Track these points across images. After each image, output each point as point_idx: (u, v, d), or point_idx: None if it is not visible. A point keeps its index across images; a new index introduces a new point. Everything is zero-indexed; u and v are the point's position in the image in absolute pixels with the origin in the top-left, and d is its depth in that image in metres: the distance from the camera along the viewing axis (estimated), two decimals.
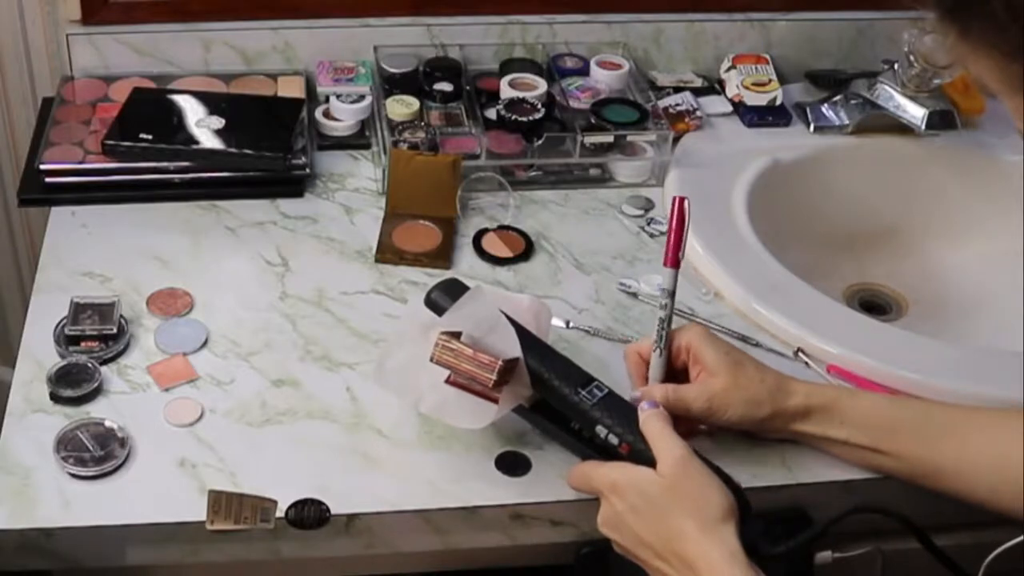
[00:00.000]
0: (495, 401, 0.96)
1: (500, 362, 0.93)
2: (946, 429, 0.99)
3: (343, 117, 1.40)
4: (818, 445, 1.02)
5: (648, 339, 1.02)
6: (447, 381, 0.97)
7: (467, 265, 1.23)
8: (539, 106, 1.36)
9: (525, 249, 1.25)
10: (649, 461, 0.92)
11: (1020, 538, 0.90)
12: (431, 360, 0.95)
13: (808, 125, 1.43)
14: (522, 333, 0.99)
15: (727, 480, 0.91)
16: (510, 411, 0.98)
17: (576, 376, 0.98)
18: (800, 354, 1.13)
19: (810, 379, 1.06)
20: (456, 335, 0.95)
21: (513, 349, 0.96)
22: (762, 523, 0.93)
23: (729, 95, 1.47)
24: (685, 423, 0.98)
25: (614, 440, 0.95)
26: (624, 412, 0.96)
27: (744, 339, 1.15)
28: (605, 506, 0.94)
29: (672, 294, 0.99)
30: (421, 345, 0.97)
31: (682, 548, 0.88)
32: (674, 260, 0.99)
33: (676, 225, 0.99)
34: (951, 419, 1.00)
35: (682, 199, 0.99)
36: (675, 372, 1.03)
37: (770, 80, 1.47)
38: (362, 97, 1.41)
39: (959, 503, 0.97)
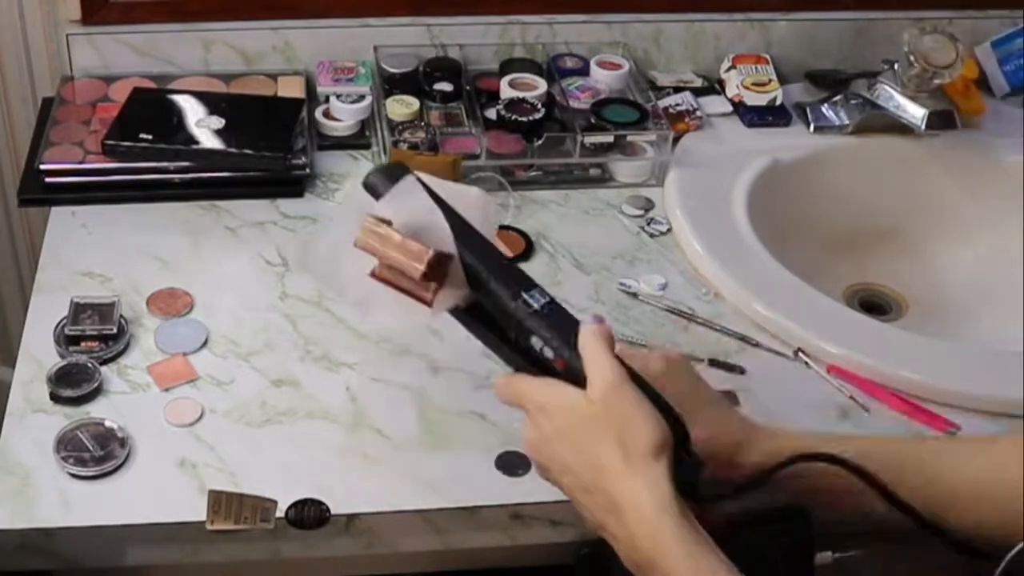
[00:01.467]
0: (427, 303, 0.87)
1: (431, 252, 0.84)
2: (935, 463, 0.92)
3: (343, 117, 1.40)
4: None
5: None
6: (372, 274, 0.88)
7: None
8: (539, 106, 1.36)
9: (525, 249, 1.25)
10: (584, 381, 0.84)
11: None
12: (355, 244, 0.86)
13: (808, 125, 1.43)
14: (462, 227, 0.89)
15: (667, 410, 0.83)
16: (443, 312, 0.89)
17: (518, 280, 0.89)
18: (800, 354, 1.14)
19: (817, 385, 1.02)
20: (387, 222, 0.86)
21: (447, 246, 0.87)
22: (699, 461, 0.84)
23: (729, 95, 1.47)
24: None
25: (549, 354, 0.86)
26: (565, 325, 0.87)
27: (744, 339, 1.15)
28: (531, 426, 0.87)
29: None
30: (353, 231, 0.88)
31: (606, 483, 0.82)
32: None
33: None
34: (935, 453, 0.93)
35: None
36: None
37: (770, 80, 1.47)
38: (362, 97, 1.41)
39: None
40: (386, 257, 0.86)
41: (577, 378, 0.84)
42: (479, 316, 0.91)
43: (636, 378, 0.84)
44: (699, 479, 0.84)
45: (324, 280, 0.92)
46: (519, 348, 0.88)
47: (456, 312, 0.92)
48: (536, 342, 0.87)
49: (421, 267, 0.84)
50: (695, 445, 0.85)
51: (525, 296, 0.87)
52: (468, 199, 0.93)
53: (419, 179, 0.91)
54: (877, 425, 1.07)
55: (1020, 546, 0.84)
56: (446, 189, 0.93)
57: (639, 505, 0.80)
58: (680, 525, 0.79)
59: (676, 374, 0.93)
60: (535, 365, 0.88)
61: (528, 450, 0.89)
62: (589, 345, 0.84)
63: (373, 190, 0.91)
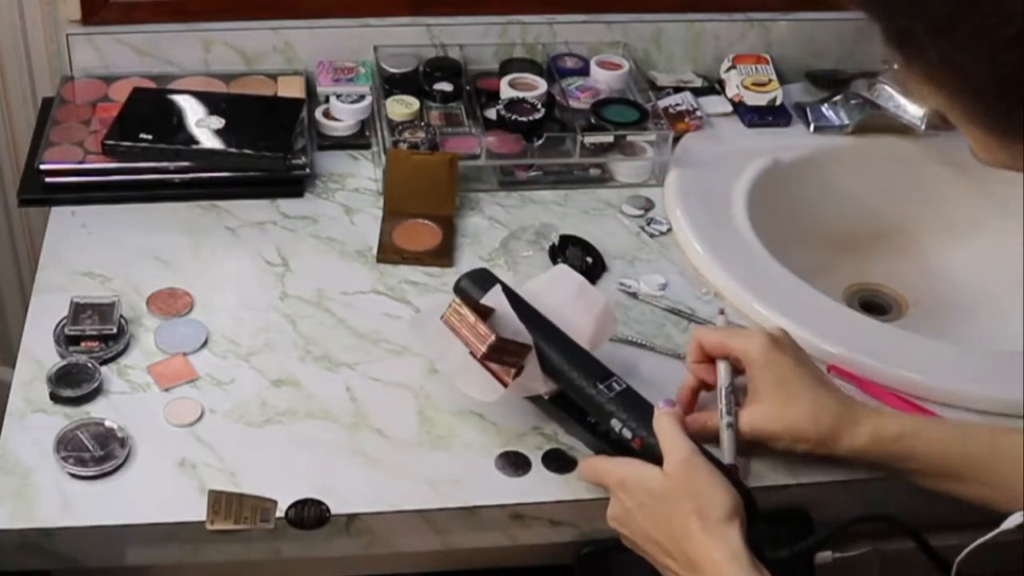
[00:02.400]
0: (504, 384, 0.98)
1: (494, 336, 0.95)
2: (1016, 457, 0.94)
3: (343, 117, 1.40)
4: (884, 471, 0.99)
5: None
6: (472, 353, 0.98)
7: (468, 264, 1.23)
8: (539, 106, 1.36)
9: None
10: (659, 457, 0.92)
11: (991, 534, 0.88)
12: (440, 318, 0.98)
13: (808, 125, 1.43)
14: (548, 328, 1.02)
15: (736, 483, 0.92)
16: (525, 399, 1.01)
17: (596, 370, 1.00)
18: None
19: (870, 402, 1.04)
20: (480, 308, 0.99)
21: (523, 339, 0.98)
22: (767, 527, 0.93)
23: (729, 95, 1.47)
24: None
25: (627, 434, 0.96)
26: (640, 408, 0.97)
27: None
28: (614, 502, 0.94)
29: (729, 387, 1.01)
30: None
31: (687, 547, 0.88)
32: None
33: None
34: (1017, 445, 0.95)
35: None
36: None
37: (770, 80, 1.47)
38: (362, 97, 1.41)
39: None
40: (460, 335, 0.98)
41: (653, 455, 0.93)
42: (562, 405, 1.01)
43: (707, 454, 0.93)
44: (765, 541, 0.92)
45: (427, 344, 1.05)
46: (599, 431, 0.99)
47: (540, 401, 1.03)
48: (615, 424, 0.97)
49: (483, 348, 0.96)
50: (795, 432, 0.97)
51: (603, 384, 0.98)
52: (596, 307, 1.06)
53: (504, 284, 1.03)
54: None
55: (971, 546, 0.88)
56: (579, 286, 1.07)
57: (716, 563, 0.86)
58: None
59: (778, 356, 0.99)
60: (615, 446, 0.98)
61: (612, 523, 0.95)
62: (662, 425, 0.94)
63: (464, 295, 1.04)
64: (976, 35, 0.67)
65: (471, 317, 0.97)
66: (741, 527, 0.88)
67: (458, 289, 1.06)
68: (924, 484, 0.97)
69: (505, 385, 0.99)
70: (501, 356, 0.97)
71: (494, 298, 1.01)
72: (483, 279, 1.06)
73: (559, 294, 1.06)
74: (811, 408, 0.97)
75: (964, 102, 0.71)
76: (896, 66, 0.73)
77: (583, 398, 0.99)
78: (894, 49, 0.72)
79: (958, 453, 0.96)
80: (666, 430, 0.93)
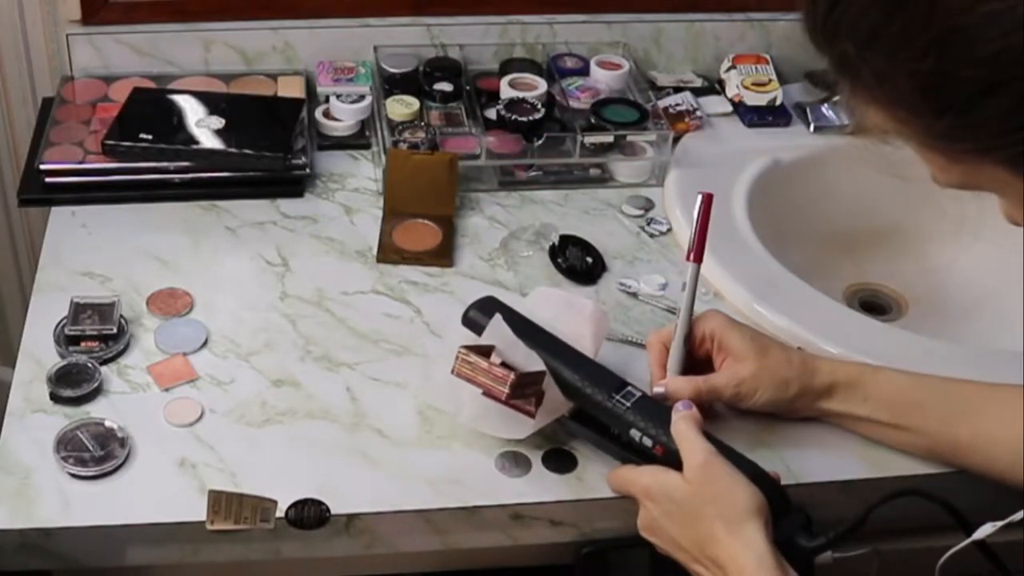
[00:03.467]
0: (531, 415, 0.99)
1: (513, 375, 0.95)
2: (966, 405, 1.00)
3: (343, 117, 1.40)
4: (841, 423, 1.04)
5: (669, 329, 1.04)
6: (484, 394, 0.97)
7: (468, 264, 1.23)
8: (539, 106, 1.36)
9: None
10: (682, 462, 0.93)
11: (967, 541, 0.90)
12: (452, 373, 0.97)
13: (808, 125, 1.43)
14: (556, 345, 1.02)
15: (761, 476, 0.92)
16: (551, 423, 1.01)
17: (610, 382, 1.00)
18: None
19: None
20: (483, 350, 0.98)
21: (535, 364, 0.98)
22: (803, 515, 0.94)
23: (729, 95, 1.47)
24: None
25: (648, 442, 0.96)
26: (657, 414, 0.97)
27: None
28: (642, 511, 0.95)
29: (693, 289, 1.03)
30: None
31: (713, 552, 0.89)
32: (698, 255, 1.03)
33: (702, 221, 1.02)
34: (971, 395, 1.00)
35: (709, 195, 1.03)
36: (696, 362, 1.05)
37: (770, 80, 1.47)
38: (362, 97, 1.41)
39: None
40: (477, 382, 0.96)
41: (676, 461, 0.94)
42: (583, 421, 1.01)
43: (729, 451, 0.94)
44: (800, 530, 0.93)
45: (445, 402, 1.03)
46: (621, 442, 0.99)
47: (562, 420, 1.02)
48: (635, 433, 0.97)
49: (505, 389, 0.95)
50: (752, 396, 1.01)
51: (619, 395, 0.99)
52: (585, 312, 1.06)
53: (507, 309, 1.04)
54: None
55: (955, 548, 0.90)
56: (563, 300, 1.08)
57: (742, 567, 0.87)
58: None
59: (738, 322, 1.05)
60: (638, 455, 0.97)
61: (643, 533, 0.96)
62: (680, 429, 0.95)
63: (474, 325, 1.04)
64: (897, 46, 0.69)
65: (483, 363, 0.96)
66: (765, 525, 0.89)
67: (467, 321, 1.05)
68: (873, 435, 1.03)
69: (532, 416, 0.99)
70: (523, 391, 0.97)
71: (494, 331, 1.00)
72: (491, 307, 1.05)
73: (548, 310, 1.07)
74: (783, 354, 1.03)
75: (902, 119, 0.73)
76: (847, 96, 0.76)
77: (601, 412, 0.99)
78: (840, 77, 0.75)
79: (909, 394, 1.01)
80: (684, 434, 0.94)
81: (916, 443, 1.01)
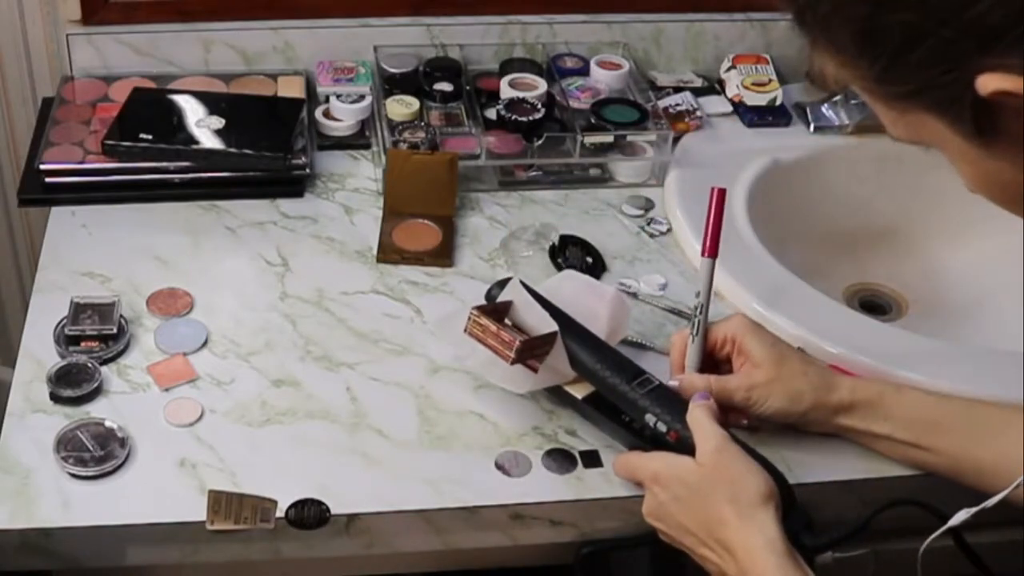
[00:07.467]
0: (534, 370, 1.00)
1: (519, 341, 0.97)
2: (988, 427, 0.98)
3: (343, 117, 1.40)
4: (860, 440, 1.03)
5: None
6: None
7: (468, 264, 1.23)
8: (539, 106, 1.36)
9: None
10: (694, 450, 0.94)
11: (945, 526, 0.90)
12: (464, 331, 1.00)
13: (808, 125, 1.43)
14: (574, 329, 1.04)
15: (771, 469, 0.92)
16: (560, 401, 1.03)
17: (628, 368, 1.02)
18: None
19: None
20: (499, 307, 1.01)
21: (548, 326, 1.00)
22: (805, 515, 0.94)
23: (729, 95, 1.47)
24: (729, 414, 1.00)
25: (662, 428, 0.97)
26: (673, 402, 0.99)
27: None
28: (649, 496, 0.95)
29: (710, 285, 1.03)
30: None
31: (722, 534, 0.89)
32: (712, 250, 1.03)
33: (715, 216, 1.02)
34: (994, 417, 0.99)
35: (722, 190, 1.03)
36: (718, 362, 1.05)
37: (770, 80, 1.47)
38: (362, 97, 1.41)
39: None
40: (486, 344, 0.99)
41: (688, 448, 0.94)
42: (596, 405, 1.02)
43: (742, 444, 0.94)
44: (804, 528, 0.93)
45: (451, 342, 1.06)
46: (634, 428, 1.00)
47: (576, 404, 1.04)
48: (650, 418, 0.99)
49: (511, 355, 0.98)
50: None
51: (637, 382, 1.00)
52: (606, 296, 1.08)
53: (530, 289, 1.05)
54: None
55: (932, 536, 0.90)
56: (586, 284, 1.10)
57: (750, 548, 0.87)
58: (785, 564, 0.86)
59: (760, 326, 1.04)
60: (649, 441, 0.99)
61: (648, 518, 0.96)
62: (695, 416, 0.95)
63: (492, 299, 1.08)
64: None
65: (492, 326, 0.98)
66: (776, 512, 0.89)
67: (489, 297, 1.09)
68: (894, 455, 1.02)
69: (535, 371, 1.00)
70: (530, 354, 0.99)
71: (512, 291, 1.02)
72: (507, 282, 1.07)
73: (569, 292, 1.08)
74: (801, 365, 1.02)
75: (847, 64, 0.75)
76: (809, 49, 0.79)
77: (618, 397, 1.00)
78: (799, 28, 0.79)
79: (931, 414, 1.00)
80: (699, 421, 0.95)
81: (937, 463, 1.00)
